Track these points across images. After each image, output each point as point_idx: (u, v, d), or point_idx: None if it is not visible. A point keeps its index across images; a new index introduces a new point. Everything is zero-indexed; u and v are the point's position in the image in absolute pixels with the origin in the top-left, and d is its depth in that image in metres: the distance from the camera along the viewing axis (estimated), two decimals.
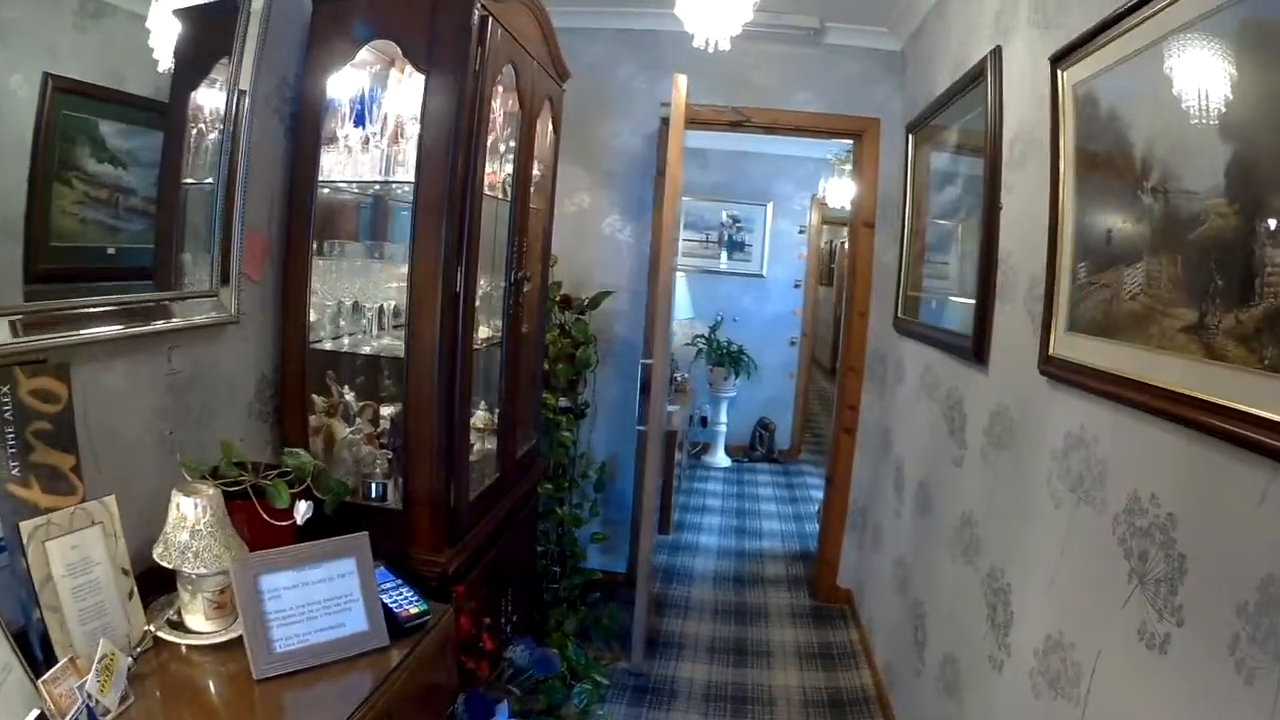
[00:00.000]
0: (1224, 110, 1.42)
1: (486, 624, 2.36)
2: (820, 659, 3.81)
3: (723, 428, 7.42)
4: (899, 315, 3.89)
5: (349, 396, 2.50)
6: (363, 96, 2.36)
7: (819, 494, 6.54)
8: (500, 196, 2.69)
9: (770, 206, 7.52)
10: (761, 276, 7.67)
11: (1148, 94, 1.67)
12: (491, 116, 2.48)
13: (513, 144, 2.72)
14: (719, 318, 7.36)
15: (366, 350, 2.43)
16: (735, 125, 4.17)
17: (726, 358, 7.20)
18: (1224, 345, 1.39)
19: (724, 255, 7.64)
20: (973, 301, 2.79)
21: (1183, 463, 1.50)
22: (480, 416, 2.98)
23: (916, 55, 3.84)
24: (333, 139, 2.35)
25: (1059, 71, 2.06)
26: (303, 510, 1.75)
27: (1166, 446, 1.55)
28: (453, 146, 2.19)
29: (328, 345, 2.39)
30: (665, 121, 4.10)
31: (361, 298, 2.40)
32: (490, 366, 2.91)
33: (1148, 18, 1.65)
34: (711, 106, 4.03)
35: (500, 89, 2.54)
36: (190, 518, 1.54)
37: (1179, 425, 1.50)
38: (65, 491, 1.43)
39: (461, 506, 2.42)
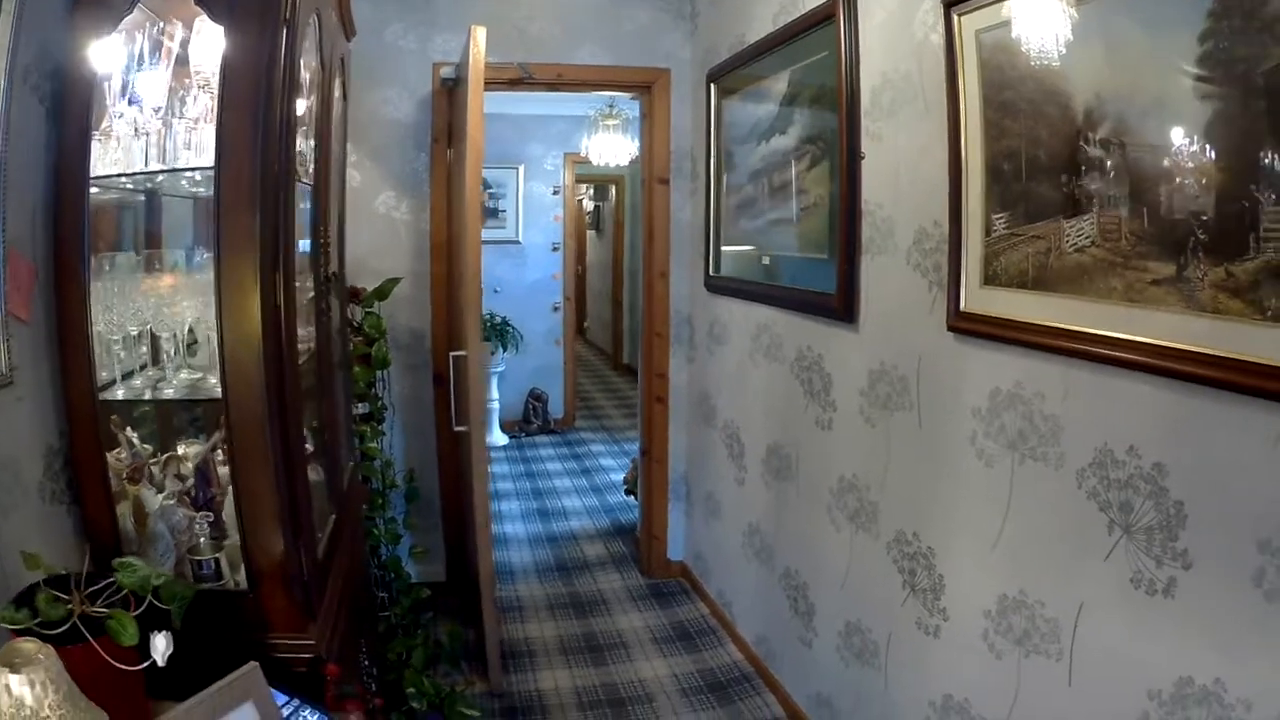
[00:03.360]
0: (1200, 70, 1.38)
1: (377, 705, 1.92)
2: (679, 641, 3.66)
3: (495, 404, 7.03)
4: (711, 274, 3.75)
5: (138, 444, 1.93)
6: (136, 64, 1.78)
7: (609, 462, 6.46)
8: (300, 179, 2.18)
9: (521, 169, 7.14)
10: (518, 243, 7.30)
11: (1095, 46, 1.60)
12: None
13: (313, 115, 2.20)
14: None
15: (169, 393, 1.85)
16: (517, 83, 3.78)
17: (492, 331, 6.80)
18: (1213, 298, 1.40)
19: None
20: (826, 257, 2.69)
21: (1170, 414, 1.51)
22: None
23: (715, 0, 3.65)
24: (100, 123, 1.75)
25: (955, 17, 1.94)
26: (162, 648, 1.25)
27: (1146, 399, 1.56)
28: (263, 120, 1.67)
29: (121, 393, 1.81)
30: (445, 83, 3.63)
31: (155, 325, 1.82)
32: (306, 385, 2.39)
33: None
34: (492, 63, 3.60)
35: (306, 45, 2.02)
36: (29, 702, 1.01)
37: (1163, 378, 1.50)
38: None
39: (314, 571, 1.95)
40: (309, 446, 2.44)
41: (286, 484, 1.82)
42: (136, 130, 1.78)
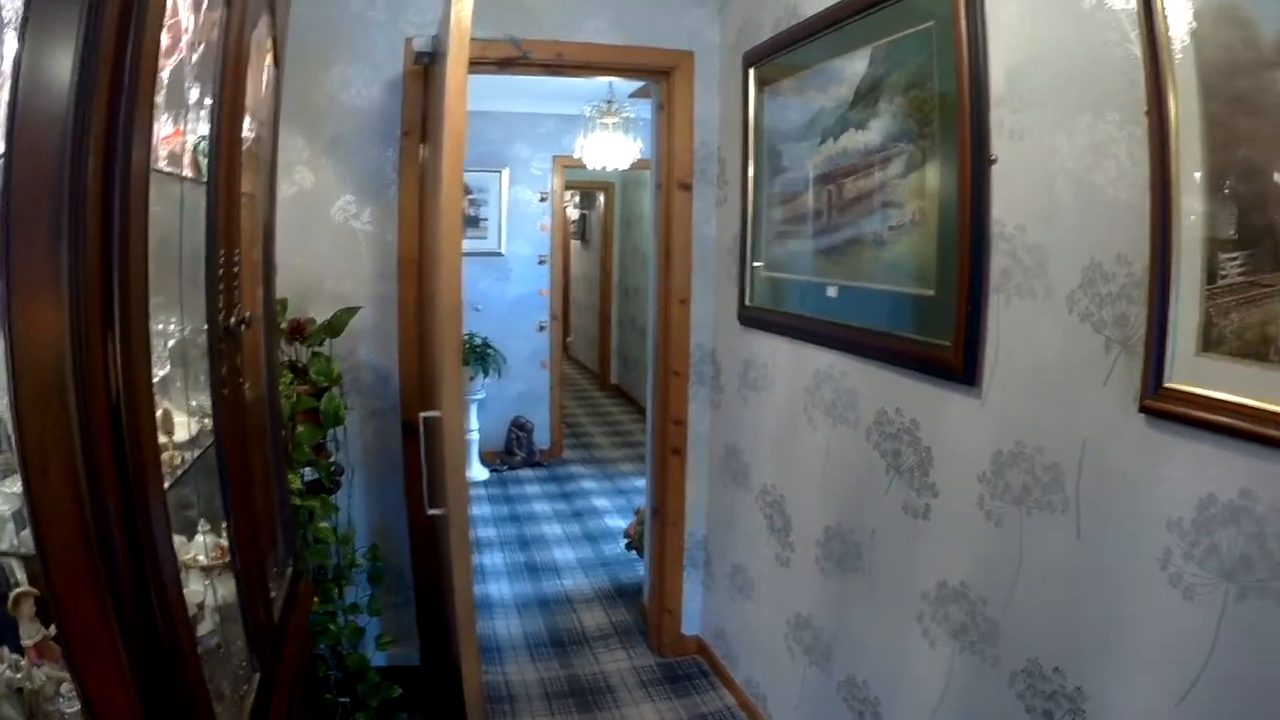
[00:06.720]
0: None
1: None
2: None
3: (474, 435, 6.30)
4: (748, 304, 3.07)
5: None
6: None
7: (602, 502, 5.79)
8: (190, 176, 1.48)
9: (506, 172, 6.41)
10: (500, 254, 6.57)
11: None
12: (172, 22, 1.26)
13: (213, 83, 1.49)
14: None
15: None
16: (508, 64, 3.07)
17: (471, 354, 6.08)
18: None
19: None
20: (931, 293, 2.02)
21: None
22: (200, 544, 1.75)
23: None
24: None
25: None
26: None
27: None
28: (81, 72, 0.96)
29: None
30: (420, 58, 2.92)
31: None
32: (204, 471, 1.68)
33: None
34: (478, 39, 2.90)
35: None
36: None
37: None
38: None
39: None
40: (213, 541, 1.74)
41: (152, 683, 1.12)
42: None
